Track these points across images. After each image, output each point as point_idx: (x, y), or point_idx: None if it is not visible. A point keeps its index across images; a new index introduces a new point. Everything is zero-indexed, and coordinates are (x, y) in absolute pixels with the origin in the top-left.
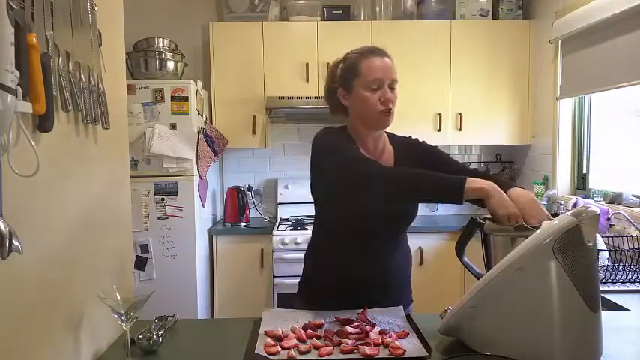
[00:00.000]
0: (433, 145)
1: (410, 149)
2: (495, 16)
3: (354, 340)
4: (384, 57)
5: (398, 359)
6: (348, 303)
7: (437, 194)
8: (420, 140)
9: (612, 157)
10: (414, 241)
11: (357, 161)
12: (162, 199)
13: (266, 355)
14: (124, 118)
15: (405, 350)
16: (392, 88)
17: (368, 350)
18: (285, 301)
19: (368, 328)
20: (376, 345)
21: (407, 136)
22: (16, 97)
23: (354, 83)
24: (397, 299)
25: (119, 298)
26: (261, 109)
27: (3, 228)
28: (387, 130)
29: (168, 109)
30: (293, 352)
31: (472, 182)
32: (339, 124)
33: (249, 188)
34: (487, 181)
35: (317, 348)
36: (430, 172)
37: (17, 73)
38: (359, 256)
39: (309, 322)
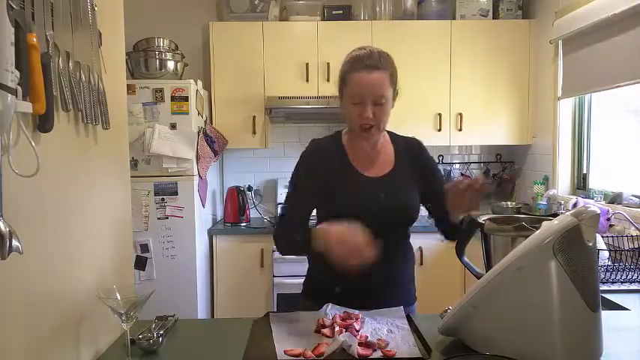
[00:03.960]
0: (432, 158)
1: (412, 152)
2: (495, 16)
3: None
4: (372, 71)
5: None
6: (347, 302)
7: (304, 252)
8: (422, 144)
9: (612, 157)
10: (414, 241)
11: (276, 227)
12: (163, 199)
13: (289, 357)
14: (124, 118)
15: (395, 353)
16: (378, 104)
17: (361, 351)
18: (285, 302)
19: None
20: (368, 346)
21: (408, 136)
22: (16, 97)
23: (344, 93)
24: (398, 298)
25: (119, 298)
26: (261, 109)
27: (3, 228)
28: (390, 129)
29: (168, 109)
30: (310, 352)
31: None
32: (337, 123)
33: (249, 188)
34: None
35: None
36: (297, 238)
37: (17, 73)
38: None
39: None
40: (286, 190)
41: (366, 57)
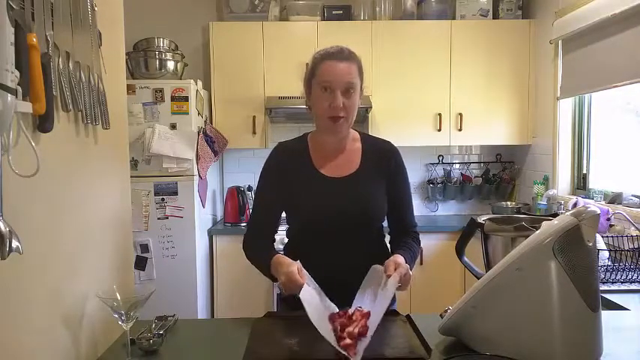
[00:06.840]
0: (402, 167)
1: (382, 155)
2: (495, 16)
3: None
4: (342, 61)
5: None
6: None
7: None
8: (395, 150)
9: (612, 157)
10: None
11: (246, 233)
12: (163, 199)
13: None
14: (124, 118)
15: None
16: (347, 94)
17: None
18: (285, 302)
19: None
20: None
21: (384, 140)
22: (16, 97)
23: (312, 83)
24: None
25: (119, 298)
26: (261, 109)
27: (3, 228)
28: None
29: (168, 109)
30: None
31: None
32: None
33: (249, 188)
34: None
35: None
36: (265, 262)
37: (17, 73)
38: (316, 255)
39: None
40: None
41: (336, 51)
